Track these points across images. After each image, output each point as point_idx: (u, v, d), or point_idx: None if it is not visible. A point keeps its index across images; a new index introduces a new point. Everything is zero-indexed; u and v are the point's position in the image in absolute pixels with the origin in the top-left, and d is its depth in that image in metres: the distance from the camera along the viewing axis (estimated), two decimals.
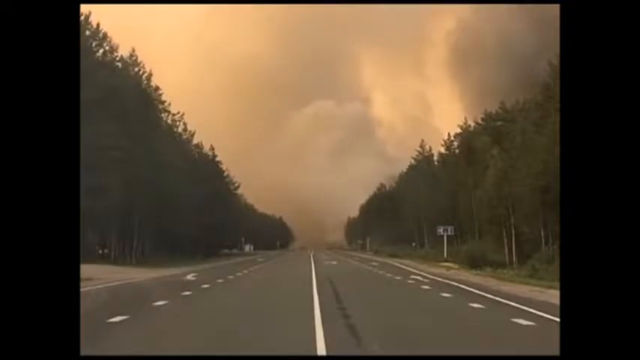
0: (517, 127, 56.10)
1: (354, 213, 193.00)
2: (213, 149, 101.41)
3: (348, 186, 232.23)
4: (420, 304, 21.92)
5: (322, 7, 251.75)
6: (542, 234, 49.55)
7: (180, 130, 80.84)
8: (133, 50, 64.82)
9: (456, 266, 56.30)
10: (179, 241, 77.06)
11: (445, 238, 68.67)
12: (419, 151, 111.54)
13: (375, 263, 67.46)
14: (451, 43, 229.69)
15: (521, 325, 14.77)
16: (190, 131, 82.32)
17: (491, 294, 25.17)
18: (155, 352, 10.60)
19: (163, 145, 65.56)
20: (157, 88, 71.01)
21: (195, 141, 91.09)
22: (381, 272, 46.47)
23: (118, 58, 61.93)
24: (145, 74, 67.66)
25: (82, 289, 19.36)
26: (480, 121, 77.19)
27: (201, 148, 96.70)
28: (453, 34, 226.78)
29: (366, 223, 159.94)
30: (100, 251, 60.68)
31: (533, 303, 20.66)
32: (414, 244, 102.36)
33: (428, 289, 28.35)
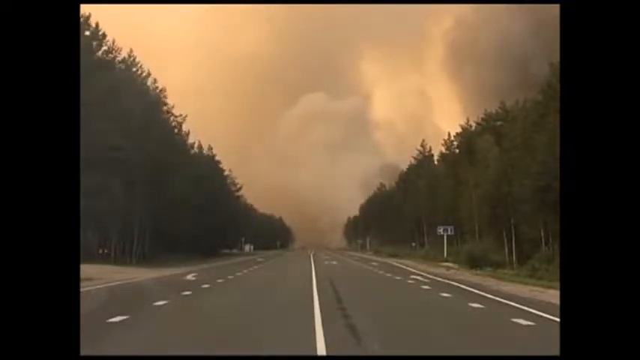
0: (517, 127, 56.17)
1: (354, 213, 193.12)
2: (211, 149, 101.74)
3: (349, 186, 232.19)
4: (420, 304, 21.91)
5: (323, 7, 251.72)
6: (542, 234, 49.58)
7: (179, 130, 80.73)
8: (131, 50, 64.86)
9: (456, 266, 56.32)
10: (179, 241, 77.05)
11: (445, 238, 68.70)
12: (419, 151, 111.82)
13: (375, 263, 67.48)
14: (451, 42, 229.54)
15: (521, 325, 14.78)
16: (186, 131, 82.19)
17: (491, 294, 25.18)
18: (155, 352, 10.59)
19: (164, 145, 65.51)
20: (163, 90, 71.10)
21: (195, 141, 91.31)
22: (381, 272, 46.48)
23: (120, 59, 61.95)
24: (150, 76, 67.87)
25: (82, 289, 19.37)
26: (480, 121, 77.35)
27: (201, 148, 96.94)
28: (453, 34, 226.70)
29: (366, 223, 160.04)
30: (100, 251, 60.65)
31: (533, 303, 20.67)
32: (414, 244, 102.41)
33: (428, 289, 28.36)
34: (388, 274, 42.97)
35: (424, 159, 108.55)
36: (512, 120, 62.15)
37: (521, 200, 50.73)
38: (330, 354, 10.18)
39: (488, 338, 12.95)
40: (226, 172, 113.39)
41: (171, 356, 10.29)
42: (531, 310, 18.19)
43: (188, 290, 25.07)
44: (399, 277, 39.16)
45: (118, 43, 60.41)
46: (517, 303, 20.64)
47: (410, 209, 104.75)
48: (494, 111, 74.94)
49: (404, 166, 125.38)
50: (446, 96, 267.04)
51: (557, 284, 23.72)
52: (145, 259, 62.00)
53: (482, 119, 76.86)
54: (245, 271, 46.48)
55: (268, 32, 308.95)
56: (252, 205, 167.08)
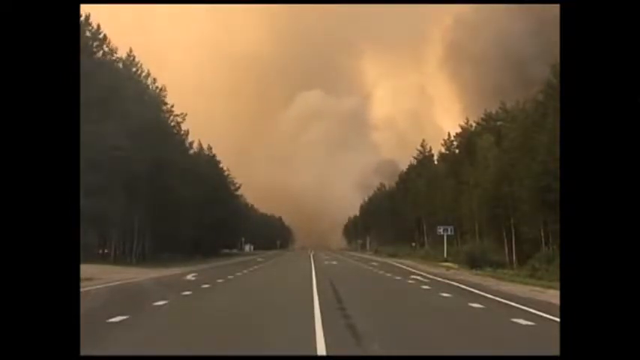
0: (517, 127, 56.19)
1: (354, 212, 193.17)
2: (210, 149, 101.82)
3: (349, 185, 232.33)
4: (420, 304, 21.91)
5: (323, 7, 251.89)
6: (542, 234, 49.60)
7: (178, 129, 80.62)
8: (130, 50, 64.87)
9: (456, 266, 56.31)
10: (179, 241, 77.06)
11: (445, 238, 68.65)
12: (419, 150, 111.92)
13: (375, 263, 67.48)
14: (451, 41, 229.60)
15: (521, 325, 14.78)
16: (185, 131, 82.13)
17: (491, 294, 25.18)
18: (155, 352, 10.59)
19: (164, 145, 65.51)
20: (162, 89, 71.05)
21: (195, 141, 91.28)
22: (381, 272, 46.48)
23: (119, 59, 61.94)
24: (150, 75, 67.90)
25: (82, 289, 19.37)
26: (480, 121, 77.42)
27: (201, 148, 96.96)
28: (453, 33, 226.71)
29: (366, 223, 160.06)
30: (100, 251, 60.66)
31: (533, 303, 20.67)
32: (414, 244, 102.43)
33: (428, 289, 28.36)
34: (388, 274, 42.97)
35: (424, 159, 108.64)
36: (513, 120, 62.18)
37: (521, 200, 50.75)
38: (330, 354, 10.18)
39: (489, 338, 12.95)
40: (225, 172, 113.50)
41: (172, 356, 10.29)
42: (531, 310, 18.19)
43: (188, 290, 25.07)
44: (398, 277, 39.15)
45: (118, 43, 60.55)
46: (517, 303, 20.64)
47: (410, 209, 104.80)
48: (494, 111, 75.04)
49: (404, 166, 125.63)
50: (446, 95, 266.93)
51: (557, 284, 23.73)
52: (144, 259, 62.03)
53: (482, 119, 76.94)
54: (245, 271, 46.47)
55: (268, 32, 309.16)
56: (252, 205, 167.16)
